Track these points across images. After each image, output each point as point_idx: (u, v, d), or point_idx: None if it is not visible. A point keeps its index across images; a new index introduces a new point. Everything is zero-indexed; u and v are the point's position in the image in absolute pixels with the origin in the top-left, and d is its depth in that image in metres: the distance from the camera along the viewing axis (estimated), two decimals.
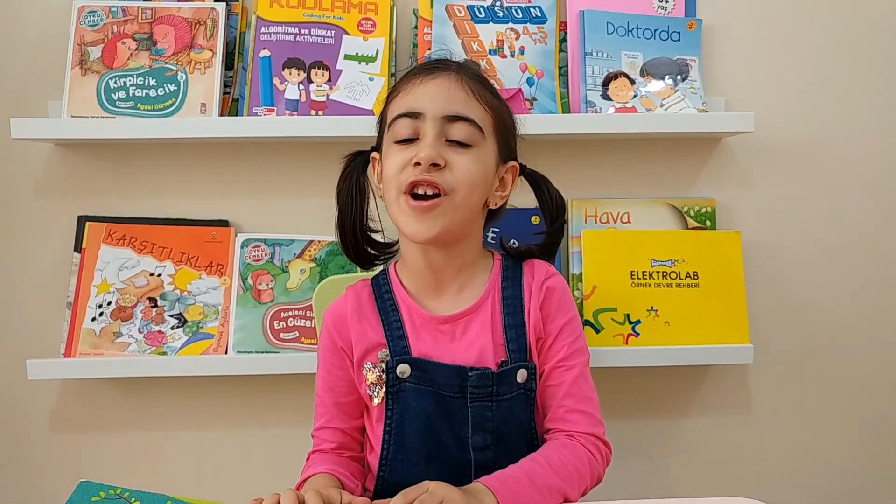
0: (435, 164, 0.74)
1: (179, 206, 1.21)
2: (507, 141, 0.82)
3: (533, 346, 0.80)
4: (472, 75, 0.80)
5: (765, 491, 1.24)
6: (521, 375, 0.78)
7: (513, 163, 0.84)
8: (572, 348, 0.80)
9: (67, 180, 1.21)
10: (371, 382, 0.80)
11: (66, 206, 1.20)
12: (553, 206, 0.86)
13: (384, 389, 0.79)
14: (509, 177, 0.84)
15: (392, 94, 0.82)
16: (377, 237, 0.87)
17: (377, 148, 0.85)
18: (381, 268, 0.89)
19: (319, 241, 1.20)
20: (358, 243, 0.85)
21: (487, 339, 0.79)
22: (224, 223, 1.21)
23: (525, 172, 0.86)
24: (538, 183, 0.86)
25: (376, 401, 0.79)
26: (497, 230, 1.14)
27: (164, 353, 1.15)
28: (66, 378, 1.19)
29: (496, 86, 0.87)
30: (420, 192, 0.75)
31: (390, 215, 0.79)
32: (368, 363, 0.81)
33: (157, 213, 1.20)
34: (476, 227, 0.83)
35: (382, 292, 0.84)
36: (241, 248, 1.19)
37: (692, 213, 1.24)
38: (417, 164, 0.74)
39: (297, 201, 1.22)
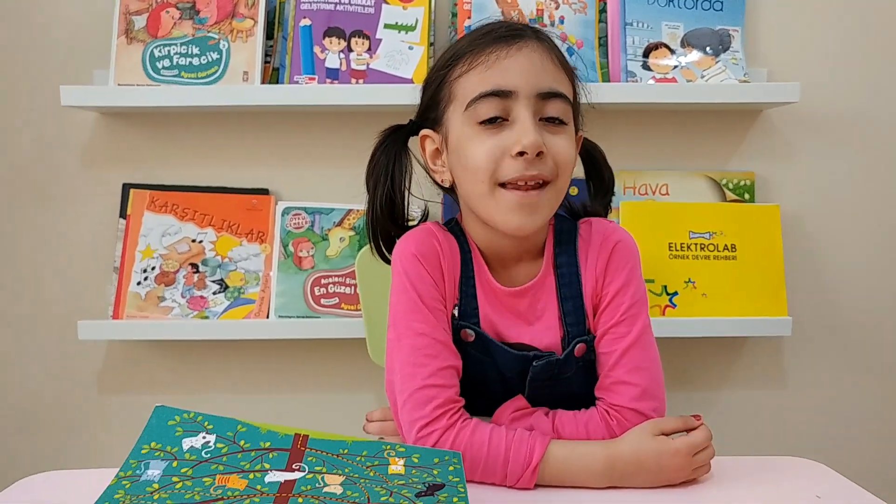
0: (540, 153, 0.66)
1: (221, 174, 1.23)
2: (577, 110, 0.74)
3: (590, 313, 0.74)
4: (553, 44, 0.72)
5: None
6: (580, 349, 0.73)
7: (580, 132, 0.76)
8: (628, 314, 0.71)
9: (112, 149, 1.23)
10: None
11: (111, 174, 1.22)
12: (605, 181, 0.81)
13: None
14: (578, 147, 0.76)
15: (457, 65, 0.70)
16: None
17: (426, 123, 0.76)
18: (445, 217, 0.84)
19: (358, 210, 1.21)
20: (390, 238, 0.77)
21: (553, 313, 0.74)
22: (264, 191, 1.23)
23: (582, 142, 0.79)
24: (591, 154, 0.81)
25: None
26: None
27: (207, 318, 1.18)
28: (114, 340, 1.22)
29: None
30: (522, 183, 0.67)
31: (475, 206, 0.71)
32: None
33: (199, 181, 1.22)
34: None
35: (463, 249, 0.75)
36: (282, 215, 1.20)
37: (731, 186, 1.23)
38: (520, 153, 0.65)
39: (336, 170, 1.23)
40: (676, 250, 1.20)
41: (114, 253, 1.20)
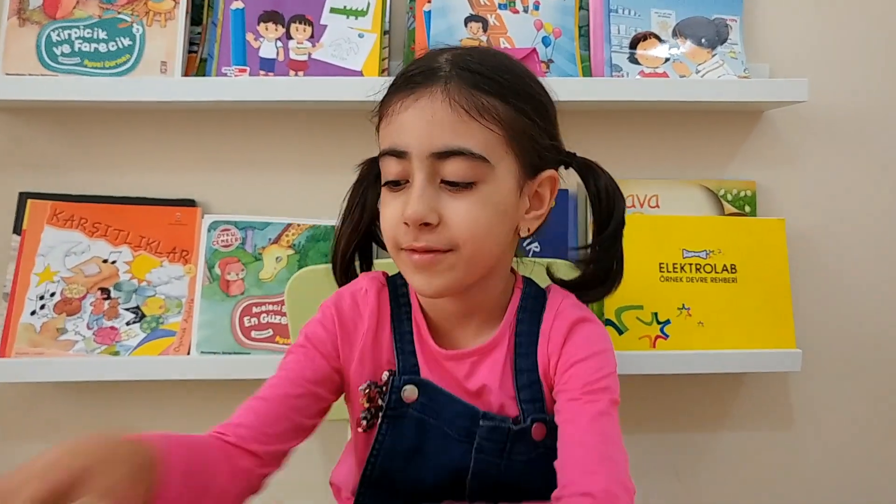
0: (426, 224, 0.58)
1: (138, 183, 1.04)
2: (533, 149, 0.62)
3: (548, 395, 0.64)
4: (468, 83, 0.59)
5: None
6: (538, 431, 0.62)
7: (549, 173, 0.64)
8: (591, 387, 0.60)
9: (7, 151, 1.04)
10: (366, 403, 0.64)
11: (5, 181, 1.03)
12: (602, 208, 0.67)
13: (380, 413, 0.63)
14: (546, 190, 0.65)
15: (380, 108, 0.64)
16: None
17: None
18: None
19: (299, 225, 1.03)
20: (349, 266, 0.72)
21: (495, 386, 0.63)
22: (190, 202, 1.05)
23: (573, 165, 0.67)
24: (586, 175, 0.68)
25: (363, 427, 0.64)
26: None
27: (117, 353, 0.99)
28: (2, 381, 1.02)
29: (508, 58, 0.64)
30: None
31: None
32: (371, 382, 0.65)
33: (113, 191, 1.04)
34: (502, 261, 0.65)
35: (400, 302, 0.68)
36: (208, 231, 1.02)
37: (729, 197, 1.08)
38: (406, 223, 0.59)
39: (272, 178, 1.05)
40: (668, 272, 1.04)
41: (4, 276, 1.00)
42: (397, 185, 0.60)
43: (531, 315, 0.65)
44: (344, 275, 0.72)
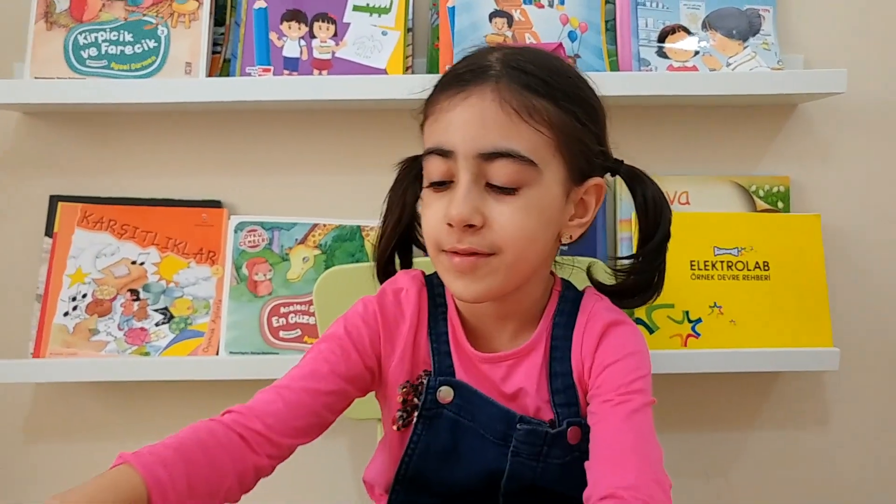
0: (470, 225, 0.57)
1: (165, 185, 1.05)
2: (582, 154, 0.61)
3: (582, 399, 0.63)
4: (519, 83, 0.58)
5: None
6: (573, 435, 0.62)
7: (595, 180, 0.63)
8: (625, 388, 0.59)
9: (37, 155, 1.05)
10: (402, 402, 0.64)
11: (36, 185, 1.05)
12: (649, 220, 0.66)
13: (416, 413, 0.63)
14: (591, 198, 0.64)
15: (427, 107, 0.64)
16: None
17: None
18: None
19: (325, 225, 1.03)
20: (390, 264, 0.72)
21: (532, 390, 0.63)
22: (216, 203, 1.05)
23: (620, 172, 0.67)
24: (634, 184, 0.67)
25: (399, 426, 0.64)
26: None
27: (147, 354, 1.00)
28: (37, 382, 1.04)
29: (560, 60, 0.64)
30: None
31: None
32: (408, 381, 0.65)
33: (140, 193, 1.05)
34: (542, 267, 0.65)
35: (437, 303, 0.67)
36: (235, 232, 1.02)
37: (761, 193, 1.06)
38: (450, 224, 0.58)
39: (298, 178, 1.05)
40: (699, 269, 1.02)
41: (36, 278, 1.02)
42: (441, 185, 0.60)
43: (568, 319, 0.65)
44: (385, 274, 0.72)
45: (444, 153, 0.58)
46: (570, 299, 0.67)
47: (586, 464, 0.57)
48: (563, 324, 0.65)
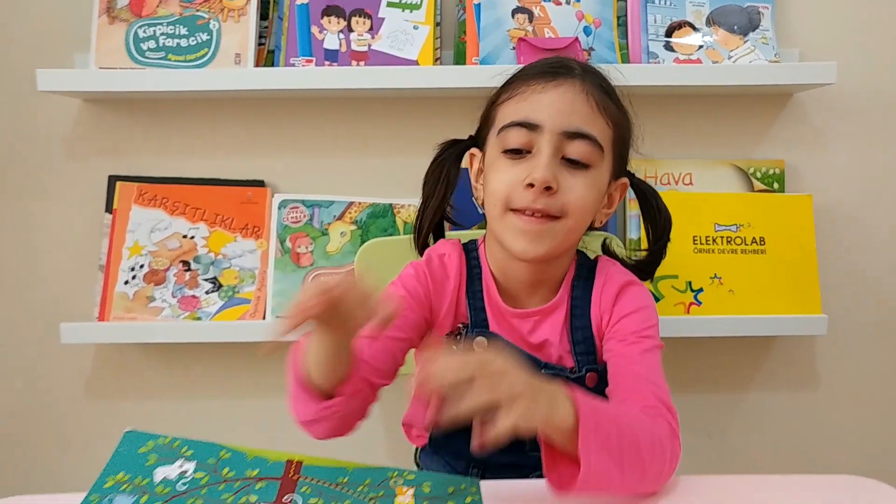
0: (549, 188, 0.67)
1: (213, 166, 1.15)
2: (622, 155, 0.74)
3: (599, 347, 0.74)
4: (597, 84, 0.71)
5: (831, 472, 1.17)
6: (591, 379, 0.72)
7: (623, 179, 0.76)
8: (638, 334, 0.70)
9: (97, 138, 1.15)
10: None
11: (96, 166, 1.14)
12: (659, 224, 0.78)
13: None
14: (617, 194, 0.76)
15: (505, 93, 0.74)
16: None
17: (476, 143, 0.78)
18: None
19: (360, 203, 1.13)
20: (429, 237, 0.81)
21: (556, 341, 0.73)
22: (260, 183, 1.15)
23: (633, 183, 0.79)
24: (646, 196, 0.79)
25: None
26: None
27: (199, 319, 1.10)
28: (100, 343, 1.15)
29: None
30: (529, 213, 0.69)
31: (492, 227, 0.73)
32: (450, 333, 0.75)
33: (191, 173, 1.14)
34: (577, 243, 0.76)
35: (472, 265, 0.77)
36: (279, 209, 1.12)
37: (759, 175, 1.15)
38: (530, 185, 0.67)
39: (336, 160, 1.15)
40: (701, 244, 1.11)
41: (99, 250, 1.12)
42: (519, 153, 0.69)
43: (585, 282, 0.75)
44: (424, 246, 0.82)
45: (531, 126, 0.68)
46: (585, 266, 0.78)
47: (607, 390, 0.68)
48: (581, 286, 0.75)
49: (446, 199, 0.79)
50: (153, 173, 1.14)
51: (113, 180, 1.14)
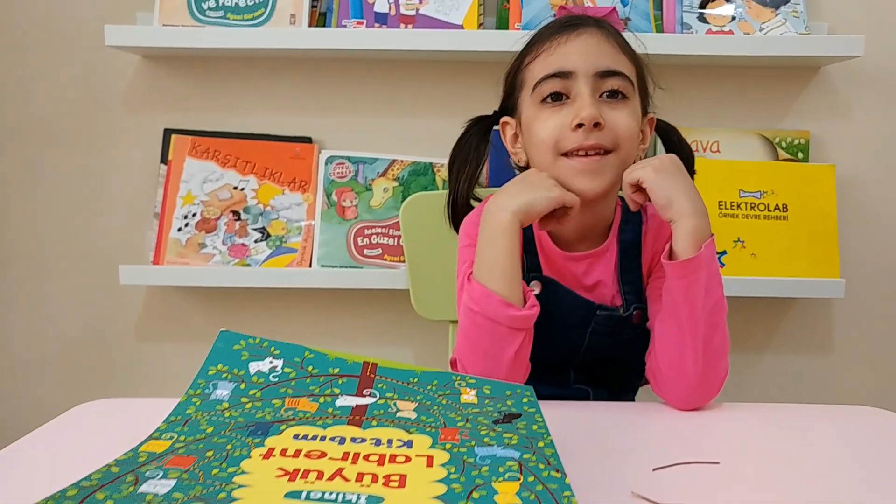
0: (597, 125, 0.71)
1: (264, 122, 1.21)
2: (646, 92, 0.79)
3: (646, 287, 0.78)
4: (613, 30, 0.76)
5: None
6: (637, 317, 0.77)
7: (650, 115, 0.81)
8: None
9: (155, 92, 1.22)
10: None
11: (153, 118, 1.21)
12: (682, 158, 0.80)
13: None
14: (647, 129, 0.80)
15: (527, 55, 0.77)
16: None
17: (505, 112, 0.82)
18: None
19: (402, 161, 1.19)
20: (462, 210, 0.84)
21: (609, 282, 0.78)
22: (307, 140, 1.21)
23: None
24: (668, 132, 0.83)
25: None
26: None
27: (248, 265, 1.17)
28: (154, 285, 1.22)
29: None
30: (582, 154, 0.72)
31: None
32: None
33: (242, 128, 1.21)
34: (620, 182, 0.79)
35: None
36: (325, 164, 1.19)
37: (784, 145, 1.20)
38: (578, 125, 0.70)
39: (381, 119, 1.21)
40: (726, 209, 1.17)
41: (155, 198, 1.19)
42: (559, 99, 0.73)
43: (633, 226, 0.80)
44: (458, 218, 0.83)
45: (564, 75, 0.72)
46: (630, 210, 0.80)
47: (648, 324, 0.74)
48: (629, 230, 0.80)
49: (478, 173, 0.82)
50: (206, 127, 1.21)
51: (168, 133, 1.20)
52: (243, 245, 1.19)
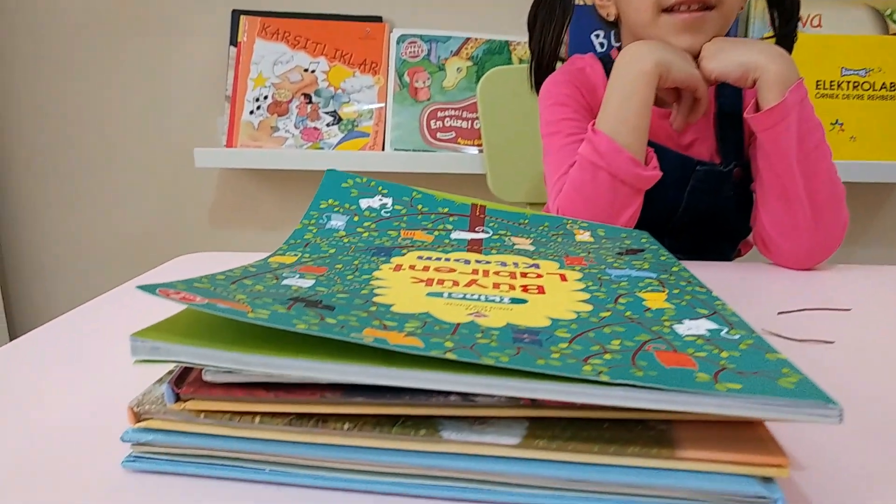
0: None
1: (333, 1, 1.16)
2: None
3: (746, 143, 0.74)
4: None
5: None
6: (738, 173, 0.73)
7: None
8: None
9: None
10: None
11: (220, 0, 1.18)
12: (786, 5, 0.76)
13: None
14: None
15: None
16: None
17: None
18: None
19: (476, 39, 1.14)
20: (547, 71, 0.79)
21: (705, 137, 0.74)
22: (377, 19, 1.16)
23: None
24: None
25: None
26: None
27: (321, 149, 1.15)
28: (228, 168, 1.21)
29: None
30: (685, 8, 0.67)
31: (643, 34, 0.71)
32: None
33: (310, 8, 1.17)
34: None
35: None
36: (397, 44, 1.14)
37: None
38: None
39: None
40: (825, 89, 1.09)
41: (226, 81, 1.17)
42: None
43: (733, 89, 0.74)
44: (539, 82, 0.79)
45: None
46: None
47: (752, 185, 0.69)
48: (727, 94, 0.75)
49: (564, 29, 0.77)
50: (274, 7, 1.17)
51: (237, 14, 1.17)
52: (315, 128, 1.16)
